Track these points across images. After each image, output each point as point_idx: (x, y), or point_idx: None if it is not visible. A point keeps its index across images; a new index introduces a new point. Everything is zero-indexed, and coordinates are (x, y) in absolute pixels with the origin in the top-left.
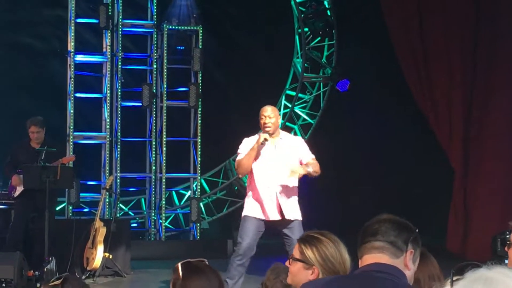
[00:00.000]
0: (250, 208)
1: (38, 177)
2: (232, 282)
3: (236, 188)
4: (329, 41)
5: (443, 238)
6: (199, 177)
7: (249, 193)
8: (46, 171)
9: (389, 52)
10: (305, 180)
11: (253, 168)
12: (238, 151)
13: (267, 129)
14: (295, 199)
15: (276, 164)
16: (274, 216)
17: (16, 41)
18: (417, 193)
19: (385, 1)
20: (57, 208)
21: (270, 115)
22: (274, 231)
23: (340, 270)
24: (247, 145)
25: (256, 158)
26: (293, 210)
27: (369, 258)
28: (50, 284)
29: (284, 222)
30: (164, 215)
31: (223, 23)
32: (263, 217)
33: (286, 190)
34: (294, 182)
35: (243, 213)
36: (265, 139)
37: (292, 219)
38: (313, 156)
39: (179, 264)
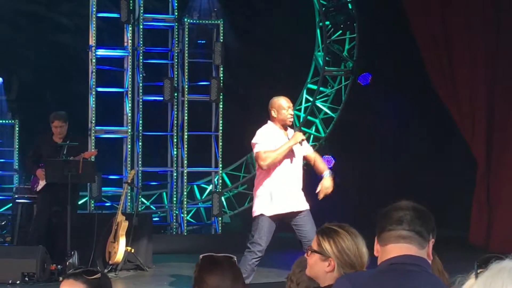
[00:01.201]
0: (266, 206)
1: (60, 171)
2: (245, 277)
3: None
4: (351, 34)
5: (466, 230)
6: (220, 171)
7: (264, 188)
8: (69, 165)
9: (411, 45)
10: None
11: None
12: (256, 141)
13: (291, 120)
14: (301, 190)
15: (294, 160)
16: (289, 208)
17: (41, 36)
18: (439, 185)
19: None
20: (79, 202)
21: (290, 106)
22: (284, 224)
23: (357, 263)
24: (268, 136)
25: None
26: (303, 200)
27: (397, 249)
28: (89, 278)
29: (296, 213)
30: (185, 209)
31: (244, 17)
32: (279, 212)
33: (299, 182)
34: (301, 174)
35: (259, 211)
36: (303, 139)
37: (301, 209)
38: (312, 150)
39: (201, 256)
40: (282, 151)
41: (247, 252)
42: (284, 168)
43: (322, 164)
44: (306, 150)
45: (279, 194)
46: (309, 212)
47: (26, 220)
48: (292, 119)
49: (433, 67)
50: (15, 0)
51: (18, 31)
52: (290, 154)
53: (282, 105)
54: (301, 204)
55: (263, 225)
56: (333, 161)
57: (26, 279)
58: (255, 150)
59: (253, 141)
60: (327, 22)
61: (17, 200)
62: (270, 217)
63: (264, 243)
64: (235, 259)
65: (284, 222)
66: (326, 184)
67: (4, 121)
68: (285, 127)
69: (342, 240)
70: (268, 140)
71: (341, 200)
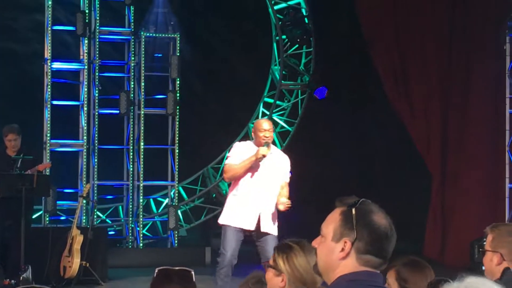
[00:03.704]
0: (230, 217)
1: (14, 185)
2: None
3: (214, 195)
4: (307, 48)
5: (420, 243)
6: (176, 185)
7: (231, 200)
8: (22, 179)
9: (366, 59)
10: None
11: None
12: (229, 154)
13: (265, 141)
14: (275, 214)
15: (264, 177)
16: (252, 226)
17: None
18: (394, 198)
19: (361, 10)
20: (34, 216)
21: (269, 129)
22: (249, 239)
23: (308, 280)
24: (240, 151)
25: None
26: (271, 224)
27: None
28: None
29: (260, 233)
30: (141, 222)
31: (201, 31)
32: (242, 226)
33: (268, 204)
34: (275, 198)
35: (223, 221)
36: (264, 155)
37: (268, 232)
38: (287, 180)
39: (156, 270)
40: (243, 165)
41: (217, 264)
42: (250, 185)
43: (285, 193)
44: (284, 178)
45: (241, 209)
46: (274, 238)
47: None
48: (267, 141)
49: (388, 83)
50: None
51: None
52: (256, 172)
53: (259, 127)
54: (264, 225)
55: (225, 235)
56: (290, 175)
57: None
58: (225, 161)
59: (227, 153)
60: (284, 36)
61: None
62: (234, 228)
63: (229, 254)
64: (192, 272)
65: (252, 239)
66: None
67: None
68: (264, 145)
69: (295, 256)
70: (240, 155)
71: (297, 216)
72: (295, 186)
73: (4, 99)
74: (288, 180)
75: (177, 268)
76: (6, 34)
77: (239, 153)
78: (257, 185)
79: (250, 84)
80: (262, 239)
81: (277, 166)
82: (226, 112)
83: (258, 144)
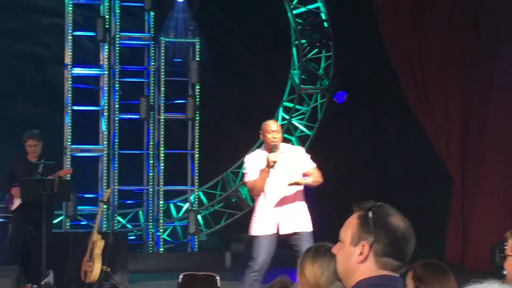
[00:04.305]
0: (259, 226)
1: (35, 191)
2: None
3: (234, 200)
4: (326, 52)
5: (441, 248)
6: (196, 190)
7: (257, 210)
8: (43, 184)
9: (386, 62)
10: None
11: None
12: (245, 171)
13: (273, 143)
14: (303, 210)
15: (282, 178)
16: (284, 230)
17: (17, 49)
18: (416, 202)
19: (381, 13)
20: (55, 221)
21: (277, 130)
22: (286, 242)
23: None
24: (254, 163)
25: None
26: (301, 222)
27: None
28: None
29: (294, 234)
30: (162, 227)
31: (220, 36)
32: (272, 232)
33: (293, 203)
34: (300, 194)
35: (253, 233)
36: (274, 162)
37: (300, 231)
38: (314, 165)
39: (181, 275)
40: (262, 178)
41: (246, 269)
42: (271, 190)
43: (313, 175)
44: (304, 167)
45: (268, 215)
46: (309, 234)
47: (1, 240)
48: (275, 142)
49: (408, 86)
50: None
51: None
52: (272, 176)
53: (267, 128)
54: (295, 226)
55: (257, 243)
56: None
57: None
58: (244, 179)
59: (243, 170)
60: (303, 41)
61: None
62: (263, 236)
63: (262, 258)
64: (218, 278)
65: (288, 242)
66: (297, 179)
67: None
68: (272, 150)
69: (304, 260)
70: (255, 168)
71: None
72: (313, 189)
73: (25, 103)
74: (313, 165)
75: (201, 273)
76: (28, 38)
77: (254, 166)
78: (279, 188)
79: (269, 89)
80: (297, 239)
81: (292, 163)
82: (246, 117)
83: (268, 147)
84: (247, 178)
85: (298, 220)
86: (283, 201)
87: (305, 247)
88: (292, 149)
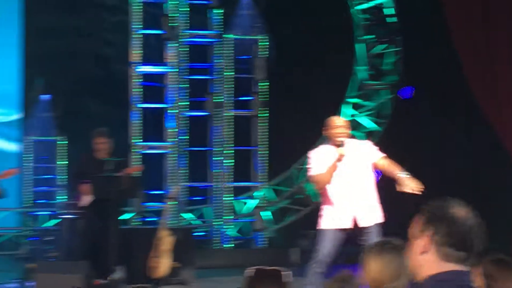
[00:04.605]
0: (328, 220)
1: (104, 187)
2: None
3: (300, 196)
4: (392, 48)
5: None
6: (263, 186)
7: (325, 204)
8: (112, 181)
9: (454, 57)
10: None
11: None
12: (309, 166)
13: (340, 138)
14: (372, 204)
15: (350, 172)
16: (352, 224)
17: (83, 47)
18: (483, 200)
19: (447, 7)
20: (123, 218)
21: (343, 125)
22: (354, 238)
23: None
24: (319, 157)
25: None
26: (370, 216)
27: None
28: None
29: (363, 229)
30: (228, 224)
31: (286, 32)
32: (340, 227)
33: (362, 197)
34: (372, 186)
35: (322, 226)
36: (343, 155)
37: (369, 225)
38: (383, 155)
39: (249, 269)
40: (329, 172)
41: (310, 263)
42: (339, 184)
43: (393, 167)
44: (372, 158)
45: (336, 210)
46: (376, 227)
47: (71, 236)
48: (340, 138)
49: (475, 82)
50: (60, 15)
51: (67, 46)
52: (344, 171)
53: (331, 124)
54: (364, 220)
55: (322, 236)
56: (379, 175)
57: None
58: (309, 173)
59: (307, 165)
60: (368, 36)
61: (62, 216)
62: (331, 230)
63: (325, 250)
64: (288, 273)
65: (356, 237)
66: (406, 182)
67: (49, 138)
68: (338, 145)
69: (368, 254)
70: (319, 162)
71: (385, 215)
72: (381, 185)
73: (93, 101)
74: (382, 154)
75: (269, 268)
76: (93, 36)
77: (319, 160)
78: (346, 182)
79: (331, 85)
80: (366, 233)
81: (359, 156)
82: (311, 113)
83: (333, 142)
84: (311, 172)
85: (369, 213)
86: (356, 195)
87: (375, 239)
88: (358, 143)
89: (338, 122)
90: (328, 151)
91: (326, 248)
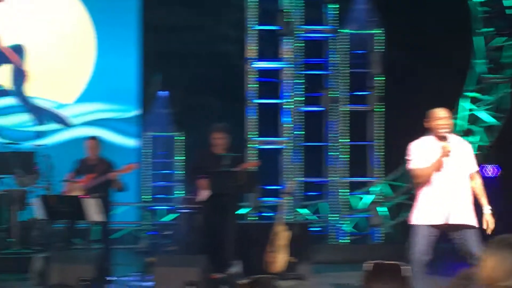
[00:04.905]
0: (420, 215)
1: (222, 182)
2: None
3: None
4: None
5: None
6: (380, 181)
7: (420, 199)
8: (230, 176)
9: None
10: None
11: None
12: (409, 157)
13: (443, 131)
14: (468, 204)
15: (449, 168)
16: (453, 220)
17: (201, 43)
18: None
19: None
20: (239, 213)
21: (446, 117)
22: (448, 235)
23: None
24: (420, 150)
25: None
26: (466, 216)
27: None
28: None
29: (457, 227)
30: (344, 219)
31: (402, 26)
32: (433, 222)
33: (459, 195)
34: (468, 187)
35: (414, 221)
36: (450, 151)
37: (465, 224)
38: (476, 169)
39: (368, 264)
40: (433, 167)
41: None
42: (437, 180)
43: (480, 192)
44: (469, 168)
45: (432, 205)
46: (475, 230)
47: (189, 230)
48: (443, 130)
49: None
50: (177, 11)
51: (184, 42)
52: (444, 166)
53: (434, 115)
54: (459, 218)
55: (416, 232)
56: (499, 171)
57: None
58: (408, 166)
59: (407, 156)
60: (488, 29)
61: (180, 210)
62: (423, 226)
63: (418, 250)
64: (407, 267)
65: (450, 234)
66: (490, 220)
67: (167, 134)
68: (441, 138)
69: (486, 251)
70: (420, 155)
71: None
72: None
73: (210, 97)
74: (476, 168)
75: (388, 262)
76: (211, 32)
77: (419, 152)
78: (444, 179)
79: (452, 78)
80: (461, 233)
81: (460, 154)
82: (429, 107)
83: (435, 135)
84: (411, 165)
85: (467, 213)
86: (452, 192)
87: (470, 242)
88: (460, 141)
89: (441, 114)
90: (429, 143)
91: (419, 245)
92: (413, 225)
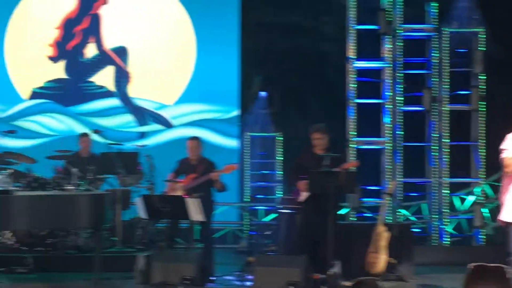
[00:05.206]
0: (509, 212)
1: (322, 182)
2: None
3: None
4: None
5: None
6: (482, 182)
7: (510, 194)
8: (330, 176)
9: None
10: None
11: None
12: (504, 147)
13: None
14: None
15: None
16: None
17: (300, 43)
18: None
19: None
20: (340, 213)
21: None
22: None
23: None
24: None
25: None
26: None
27: None
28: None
29: None
30: (446, 220)
31: (504, 24)
32: None
33: None
34: None
35: (505, 218)
36: None
37: None
38: None
39: (471, 266)
40: None
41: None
42: None
43: None
44: None
45: None
46: None
47: (290, 230)
48: None
49: None
50: (277, 10)
51: (283, 42)
52: None
53: None
54: None
55: (508, 232)
56: None
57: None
58: (502, 155)
59: (501, 146)
60: None
61: (280, 211)
62: None
63: None
64: (508, 269)
65: None
66: None
67: (266, 134)
68: None
69: None
70: None
71: None
72: None
73: (310, 97)
74: None
75: (492, 264)
76: (312, 32)
77: None
78: None
79: None
80: None
81: None
82: None
83: None
84: (506, 154)
85: None
86: None
87: None
88: None
89: None
90: None
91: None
92: (505, 222)
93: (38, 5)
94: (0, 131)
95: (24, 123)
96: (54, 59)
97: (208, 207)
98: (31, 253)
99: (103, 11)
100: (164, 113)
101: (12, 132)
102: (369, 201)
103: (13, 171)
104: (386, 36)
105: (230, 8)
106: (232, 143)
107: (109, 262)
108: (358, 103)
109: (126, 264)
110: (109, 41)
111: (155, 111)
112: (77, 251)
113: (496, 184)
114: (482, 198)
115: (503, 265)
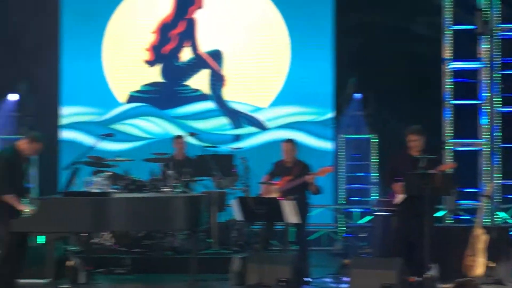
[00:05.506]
0: None
1: (417, 185)
2: None
3: None
4: None
5: None
6: None
7: None
8: (425, 178)
9: None
10: None
11: None
12: None
13: None
14: None
15: None
16: None
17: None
18: None
19: None
20: (436, 215)
21: None
22: None
23: None
24: None
25: None
26: None
27: None
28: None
29: None
30: None
31: None
32: None
33: None
34: None
35: None
36: None
37: None
38: None
39: None
40: None
41: None
42: None
43: None
44: None
45: None
46: None
47: (385, 232)
48: None
49: None
50: (371, 11)
51: (378, 43)
52: None
53: None
54: None
55: None
56: None
57: None
58: None
59: None
60: None
61: (376, 213)
62: None
63: None
64: None
65: None
66: None
67: (361, 136)
68: None
69: None
70: None
71: None
72: None
73: (405, 98)
74: None
75: None
76: (406, 36)
77: None
78: None
79: None
80: None
81: None
82: None
83: None
84: None
85: None
86: None
87: None
88: None
89: None
90: None
91: None
92: None
93: (135, 10)
94: (98, 134)
95: (121, 127)
96: (150, 63)
97: (303, 209)
98: (129, 254)
99: (198, 16)
100: (259, 115)
101: (110, 136)
102: (467, 203)
103: (111, 173)
104: (483, 36)
105: (324, 10)
106: (326, 145)
107: (205, 264)
108: (455, 104)
109: (221, 265)
110: (204, 45)
111: (250, 113)
112: (174, 253)
113: None
114: None
115: None
